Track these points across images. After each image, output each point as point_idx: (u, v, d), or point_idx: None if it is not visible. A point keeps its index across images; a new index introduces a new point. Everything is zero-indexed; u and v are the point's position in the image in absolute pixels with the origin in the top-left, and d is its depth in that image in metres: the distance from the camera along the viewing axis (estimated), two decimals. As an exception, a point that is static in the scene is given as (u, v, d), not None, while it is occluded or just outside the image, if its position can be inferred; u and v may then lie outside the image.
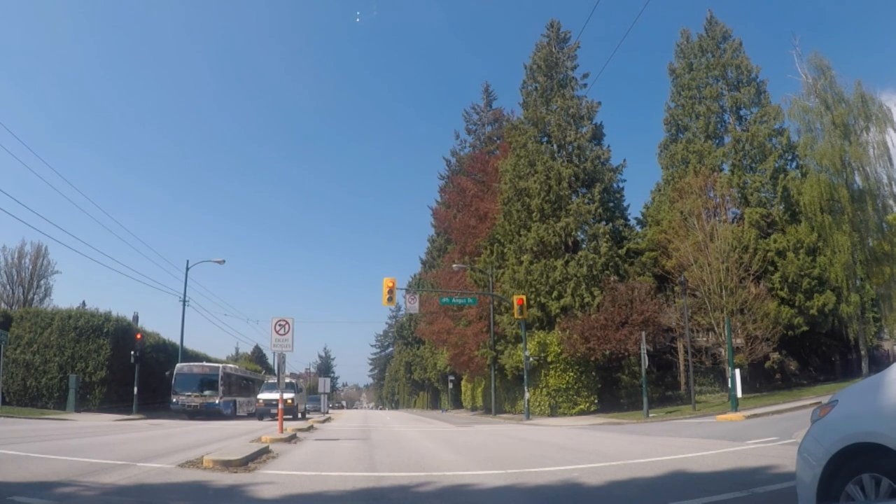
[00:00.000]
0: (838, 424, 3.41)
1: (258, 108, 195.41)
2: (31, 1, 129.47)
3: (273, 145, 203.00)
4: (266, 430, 17.17)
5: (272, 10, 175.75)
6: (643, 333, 24.61)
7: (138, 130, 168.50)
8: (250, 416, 33.22)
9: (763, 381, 32.88)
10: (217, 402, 29.56)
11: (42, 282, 45.89)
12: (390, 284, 28.12)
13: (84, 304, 41.47)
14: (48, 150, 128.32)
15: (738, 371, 21.11)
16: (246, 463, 8.32)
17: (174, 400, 29.20)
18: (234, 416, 31.32)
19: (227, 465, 7.99)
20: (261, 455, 9.45)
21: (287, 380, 25.05)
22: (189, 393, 29.36)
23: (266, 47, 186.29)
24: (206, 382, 30.01)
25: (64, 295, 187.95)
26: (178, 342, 35.38)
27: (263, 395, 30.05)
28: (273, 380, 30.87)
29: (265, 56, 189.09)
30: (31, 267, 45.55)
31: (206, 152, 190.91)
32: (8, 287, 44.66)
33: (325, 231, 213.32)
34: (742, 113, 36.82)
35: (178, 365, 30.74)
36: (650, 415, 23.58)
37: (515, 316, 29.46)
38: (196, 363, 32.63)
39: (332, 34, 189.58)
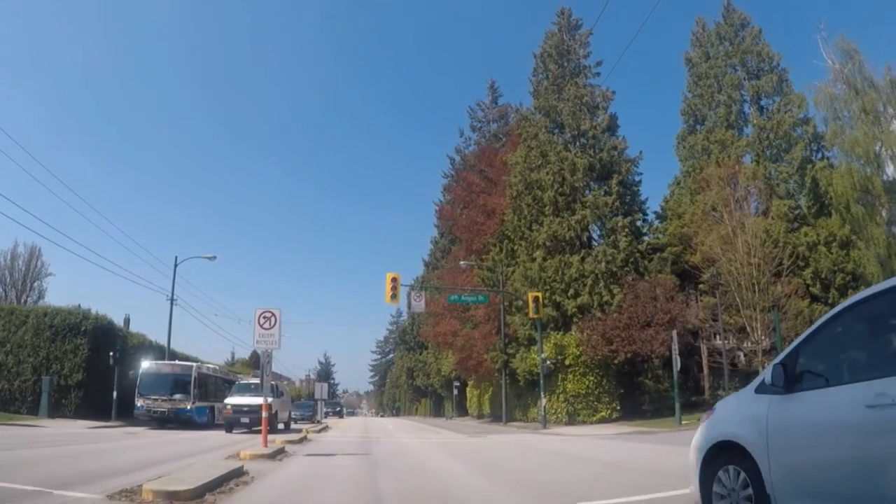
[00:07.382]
0: (715, 425, 4.46)
1: (257, 108, 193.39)
2: (27, 2, 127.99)
3: (272, 150, 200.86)
4: (249, 442, 14.64)
5: (271, 10, 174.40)
6: (674, 333, 22.33)
7: (133, 131, 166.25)
8: None
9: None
10: (189, 407, 24.63)
11: (35, 284, 44.90)
12: (394, 279, 25.85)
13: (80, 307, 39.02)
14: (43, 150, 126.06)
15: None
16: (202, 494, 5.93)
17: (138, 404, 24.22)
18: (211, 426, 25.91)
19: (173, 497, 5.65)
20: (228, 480, 7.07)
21: (255, 381, 21.62)
22: (156, 396, 24.42)
23: (265, 48, 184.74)
24: (177, 384, 25.22)
25: (58, 297, 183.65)
26: (166, 344, 32.89)
27: (233, 400, 22.49)
28: (246, 379, 26.71)
29: (264, 57, 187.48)
30: (24, 269, 44.68)
31: (205, 156, 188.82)
32: (0, 289, 42.93)
33: (326, 236, 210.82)
34: (763, 102, 35.13)
35: (145, 362, 25.87)
36: (682, 422, 21.27)
37: (530, 315, 27.14)
38: (166, 361, 27.89)
39: (332, 34, 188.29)
